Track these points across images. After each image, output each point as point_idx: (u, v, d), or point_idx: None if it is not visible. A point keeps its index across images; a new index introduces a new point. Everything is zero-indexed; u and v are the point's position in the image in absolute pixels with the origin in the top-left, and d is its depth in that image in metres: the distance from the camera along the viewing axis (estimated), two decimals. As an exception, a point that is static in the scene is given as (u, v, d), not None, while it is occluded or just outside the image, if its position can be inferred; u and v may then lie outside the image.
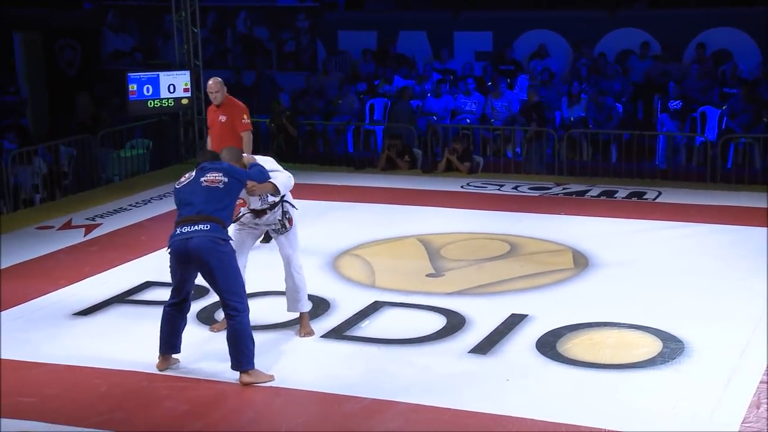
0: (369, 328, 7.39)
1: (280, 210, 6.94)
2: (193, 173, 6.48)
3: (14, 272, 8.98)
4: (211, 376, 6.45)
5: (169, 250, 6.34)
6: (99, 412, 6.04)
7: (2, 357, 6.93)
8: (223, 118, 9.37)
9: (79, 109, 15.59)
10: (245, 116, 9.43)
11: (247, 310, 6.33)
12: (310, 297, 7.43)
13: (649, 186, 11.94)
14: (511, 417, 5.85)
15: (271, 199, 6.90)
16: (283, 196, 6.92)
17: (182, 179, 6.55)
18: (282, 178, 6.84)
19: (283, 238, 7.04)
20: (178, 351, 6.62)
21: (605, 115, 14.01)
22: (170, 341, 6.55)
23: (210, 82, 9.40)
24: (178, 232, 6.27)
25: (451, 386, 6.31)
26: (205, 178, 6.38)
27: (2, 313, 7.81)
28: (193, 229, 6.20)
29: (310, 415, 6.03)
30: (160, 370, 6.55)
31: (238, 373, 6.34)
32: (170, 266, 6.42)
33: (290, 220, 7.00)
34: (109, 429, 5.82)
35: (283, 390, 6.30)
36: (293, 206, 7.06)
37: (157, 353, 6.59)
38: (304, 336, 7.17)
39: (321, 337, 7.19)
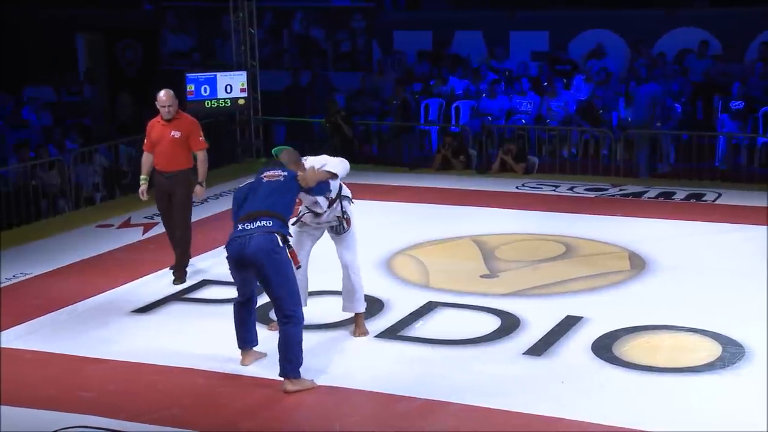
0: (423, 328, 7.39)
1: (339, 207, 6.96)
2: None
3: (74, 270, 9.15)
4: (267, 375, 6.49)
5: (226, 254, 6.41)
6: (156, 408, 6.12)
7: (62, 353, 7.08)
8: (176, 134, 8.47)
9: (118, 110, 15.70)
10: (201, 133, 8.65)
11: (301, 318, 6.34)
12: (365, 297, 7.45)
13: (709, 187, 11.75)
14: (566, 419, 5.81)
15: (332, 195, 6.88)
16: (341, 191, 6.92)
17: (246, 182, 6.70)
18: (334, 161, 6.86)
19: (341, 241, 7.07)
20: (255, 344, 6.73)
21: (664, 115, 13.81)
22: (243, 337, 6.69)
23: (162, 95, 8.44)
24: (239, 228, 6.31)
25: (505, 388, 6.29)
26: (265, 174, 6.56)
27: (62, 309, 7.97)
28: (255, 225, 6.24)
29: (364, 415, 6.04)
30: (243, 365, 6.65)
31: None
32: (229, 268, 6.51)
33: (348, 221, 7.01)
34: (167, 425, 5.89)
35: (336, 389, 6.33)
36: (351, 200, 7.06)
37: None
38: (358, 336, 7.20)
39: (375, 337, 7.21)
